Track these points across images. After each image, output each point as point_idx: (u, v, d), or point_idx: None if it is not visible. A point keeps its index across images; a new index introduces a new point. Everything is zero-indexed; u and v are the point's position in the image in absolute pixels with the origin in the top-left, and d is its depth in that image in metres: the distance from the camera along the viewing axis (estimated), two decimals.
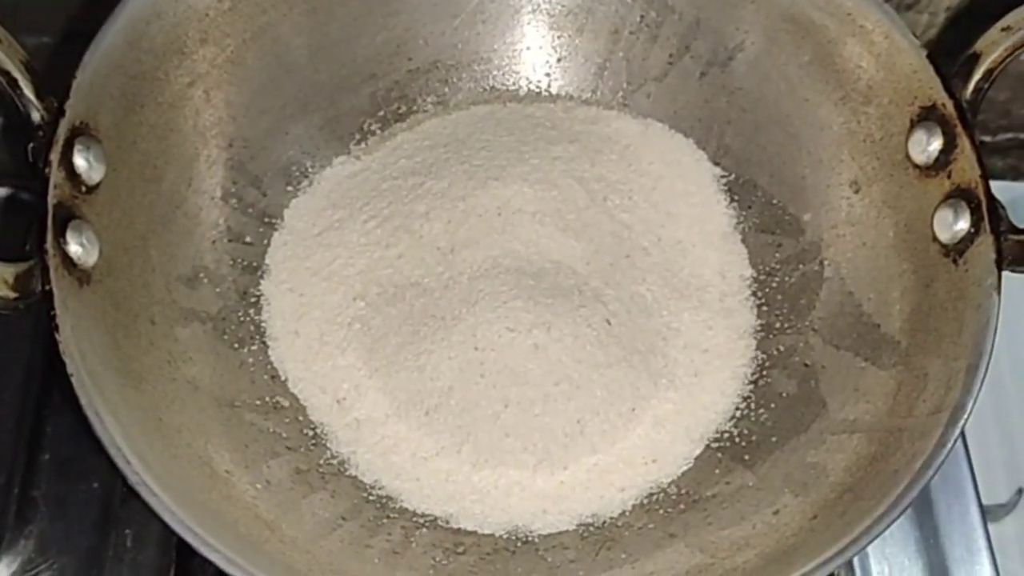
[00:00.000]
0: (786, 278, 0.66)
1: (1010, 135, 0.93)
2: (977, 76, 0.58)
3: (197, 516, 0.49)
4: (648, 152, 0.69)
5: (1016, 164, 0.95)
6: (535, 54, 0.71)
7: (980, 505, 0.68)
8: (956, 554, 0.66)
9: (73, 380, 0.49)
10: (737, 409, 0.63)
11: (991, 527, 0.68)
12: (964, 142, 0.58)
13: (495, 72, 0.71)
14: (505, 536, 0.59)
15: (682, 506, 0.59)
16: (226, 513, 0.53)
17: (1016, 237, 0.56)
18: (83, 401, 0.49)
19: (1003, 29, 0.58)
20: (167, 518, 0.47)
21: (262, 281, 0.64)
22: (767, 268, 0.66)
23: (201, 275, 0.62)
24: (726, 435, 0.62)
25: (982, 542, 0.66)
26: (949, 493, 0.67)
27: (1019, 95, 0.89)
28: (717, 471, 0.61)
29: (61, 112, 0.53)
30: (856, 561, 0.64)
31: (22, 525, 0.61)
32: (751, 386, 0.63)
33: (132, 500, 0.62)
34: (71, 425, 0.64)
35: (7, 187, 0.70)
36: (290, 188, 0.67)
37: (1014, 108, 0.91)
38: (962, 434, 0.54)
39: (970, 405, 0.53)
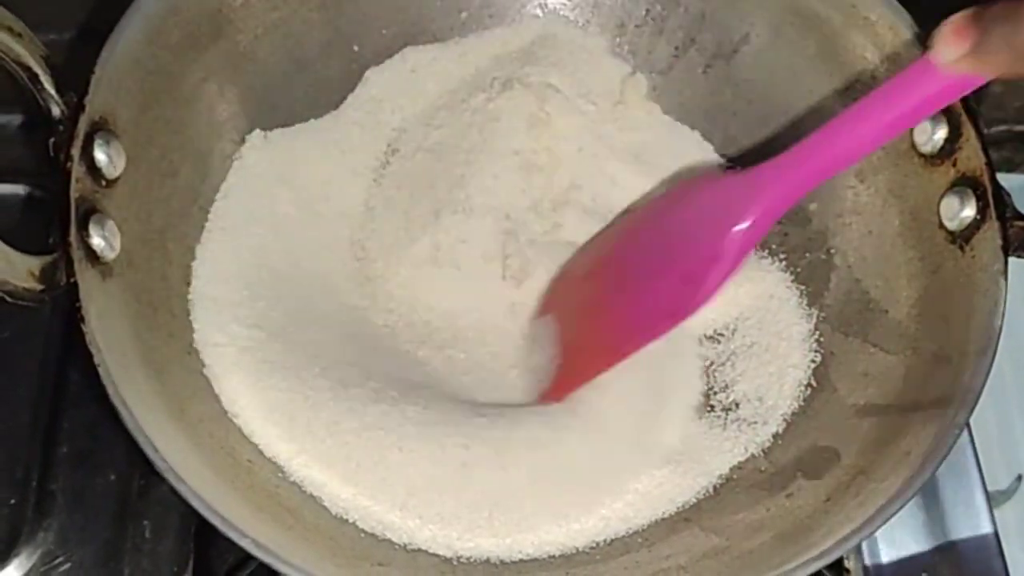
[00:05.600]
0: (793, 267, 0.66)
1: (1004, 127, 0.94)
2: None
3: (224, 503, 0.49)
4: (655, 144, 0.69)
5: (1010, 156, 0.96)
6: None
7: (985, 490, 0.69)
8: (963, 539, 0.66)
9: (100, 371, 0.49)
10: None
11: None
12: (969, 131, 0.58)
13: None
14: None
15: None
16: (250, 500, 0.53)
17: (1021, 223, 0.57)
18: (110, 391, 0.49)
19: None
20: (196, 504, 0.48)
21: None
22: (774, 257, 0.67)
23: None
24: None
25: (988, 527, 0.67)
26: (955, 479, 0.68)
27: (1012, 88, 0.90)
28: None
29: (81, 107, 0.54)
30: (864, 545, 0.65)
31: (41, 518, 0.62)
32: None
33: (149, 492, 0.63)
34: (87, 419, 0.64)
35: (27, 185, 0.70)
36: None
37: (1007, 100, 0.92)
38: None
39: (980, 388, 0.54)
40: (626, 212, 0.67)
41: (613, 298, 0.60)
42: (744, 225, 0.54)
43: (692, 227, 0.58)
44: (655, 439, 0.61)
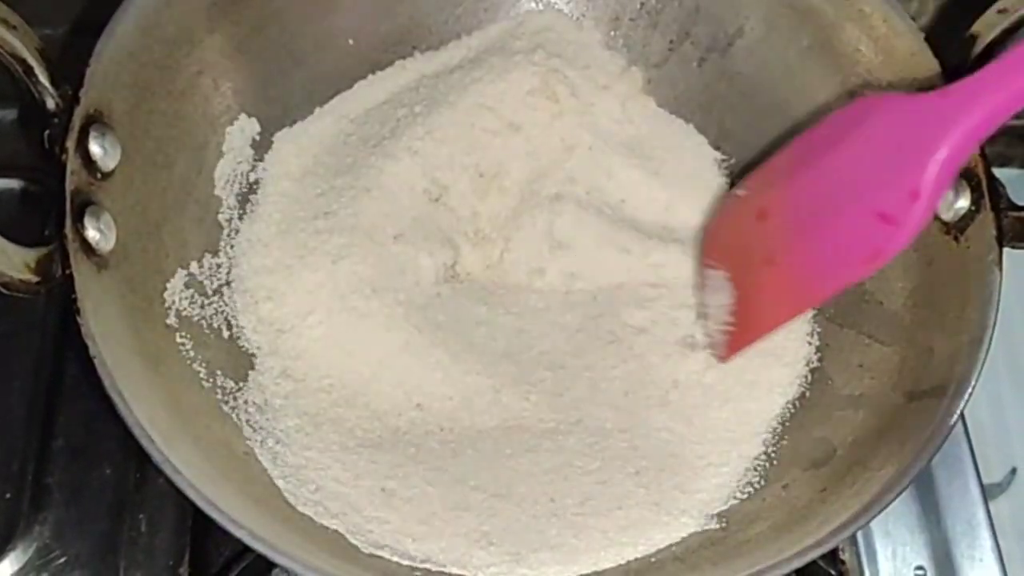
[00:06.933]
0: None
1: None
2: (974, 57, 0.59)
3: (220, 495, 0.49)
4: (650, 137, 0.70)
5: (1003, 151, 0.96)
6: None
7: (980, 482, 0.69)
8: (957, 530, 0.67)
9: (95, 362, 0.49)
10: None
11: None
12: None
13: None
14: None
15: None
16: (248, 492, 0.53)
17: (1016, 214, 0.57)
18: (106, 383, 0.49)
19: (999, 11, 0.59)
20: (192, 496, 0.48)
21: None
22: None
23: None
24: None
25: (983, 518, 0.67)
26: (949, 470, 0.68)
27: None
28: None
29: (76, 100, 0.54)
30: (860, 536, 0.65)
31: (37, 512, 0.62)
32: None
33: (146, 485, 0.63)
34: (83, 412, 0.65)
35: (23, 178, 0.70)
36: None
37: None
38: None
39: (975, 378, 0.54)
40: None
41: (791, 240, 0.54)
42: (942, 154, 0.48)
43: (878, 156, 0.51)
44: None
